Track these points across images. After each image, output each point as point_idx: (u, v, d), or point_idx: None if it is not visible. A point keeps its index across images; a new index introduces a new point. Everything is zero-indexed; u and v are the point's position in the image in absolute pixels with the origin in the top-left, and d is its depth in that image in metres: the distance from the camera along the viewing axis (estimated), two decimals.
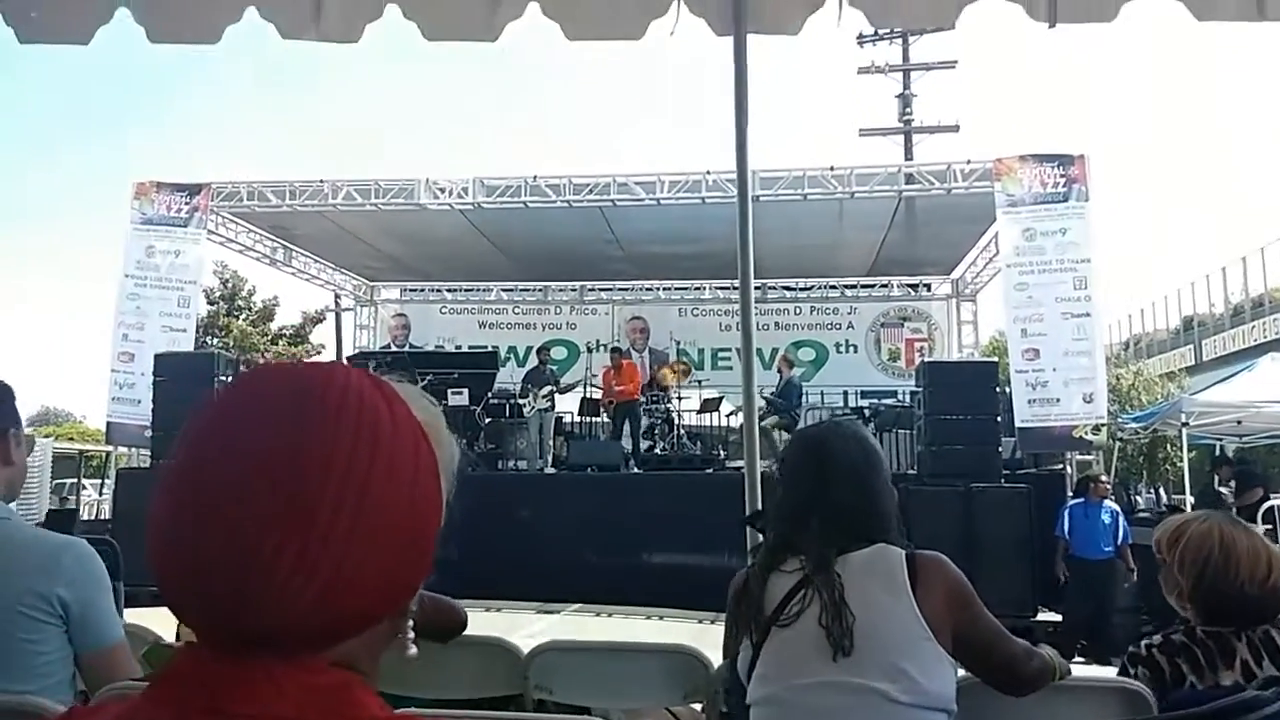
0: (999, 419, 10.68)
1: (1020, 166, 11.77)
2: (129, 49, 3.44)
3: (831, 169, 12.82)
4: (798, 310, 17.41)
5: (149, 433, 11.65)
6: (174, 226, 13.42)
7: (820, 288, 17.52)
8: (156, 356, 11.60)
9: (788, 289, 17.33)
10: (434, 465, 0.74)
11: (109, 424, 13.47)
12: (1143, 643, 2.09)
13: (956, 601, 1.79)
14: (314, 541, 0.64)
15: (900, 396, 13.72)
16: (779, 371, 13.88)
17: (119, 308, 13.24)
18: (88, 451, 21.80)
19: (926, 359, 14.91)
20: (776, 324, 16.70)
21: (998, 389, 11.08)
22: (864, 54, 24.00)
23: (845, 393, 15.13)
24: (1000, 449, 10.53)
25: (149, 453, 11.99)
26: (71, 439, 27.20)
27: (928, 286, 17.60)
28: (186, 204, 13.42)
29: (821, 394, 15.36)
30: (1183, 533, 2.09)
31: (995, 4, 3.04)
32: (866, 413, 13.09)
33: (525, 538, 10.66)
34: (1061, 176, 11.65)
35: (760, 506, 3.38)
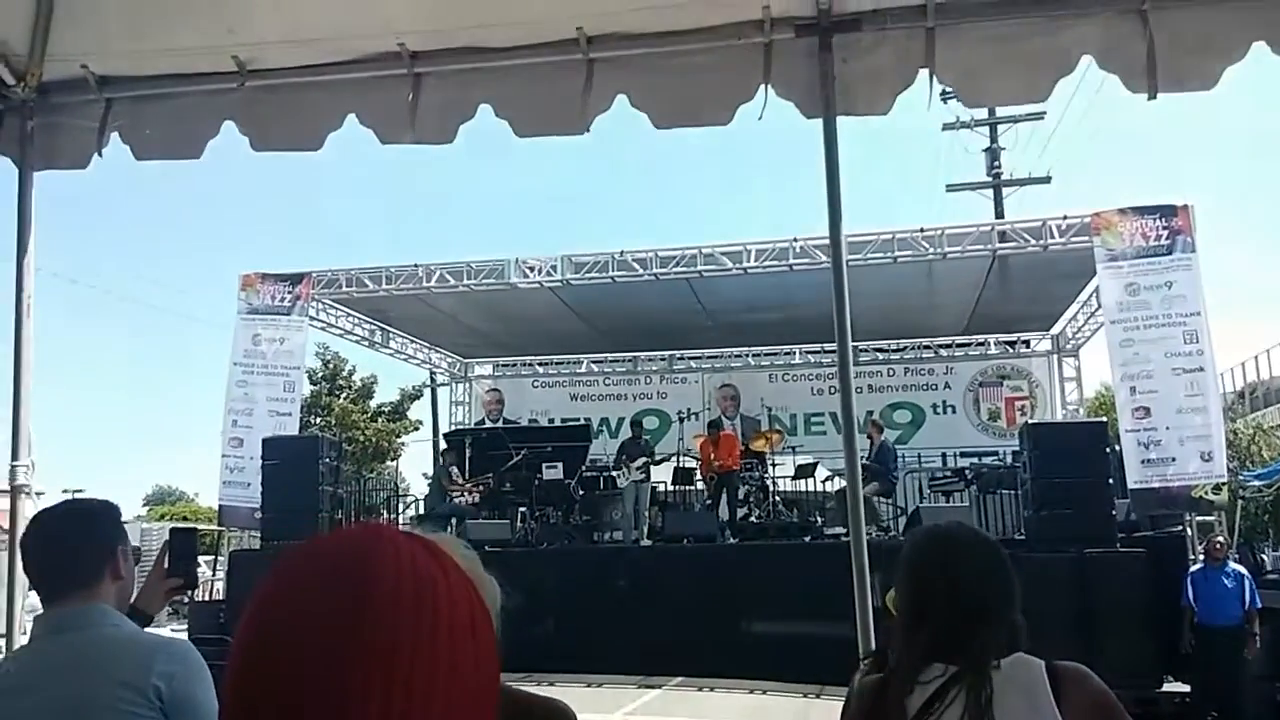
0: (1110, 480, 10.22)
1: (1120, 220, 11.38)
2: (237, 153, 3.63)
3: (921, 230, 12.68)
4: (891, 372, 17.11)
5: (258, 514, 12.01)
6: (278, 315, 13.97)
7: (914, 348, 17.22)
8: (264, 441, 11.99)
9: (880, 351, 17.06)
10: (487, 618, 0.75)
11: (221, 507, 13.93)
12: None
13: (1102, 717, 1.69)
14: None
15: (1001, 456, 13.26)
16: (869, 437, 13.59)
17: (229, 394, 13.77)
18: (200, 530, 22.53)
19: (1029, 419, 14.45)
20: (870, 386, 16.42)
21: (1108, 449, 10.63)
22: (948, 108, 23.93)
23: (944, 454, 14.73)
24: (1114, 512, 10.06)
25: (259, 535, 12.33)
26: (185, 518, 28.17)
27: (1026, 343, 17.14)
28: (289, 293, 13.97)
29: (919, 456, 14.99)
30: None
31: (1091, 78, 3.00)
32: (968, 474, 12.71)
33: (623, 611, 10.56)
34: (1164, 229, 11.22)
35: (875, 589, 3.28)
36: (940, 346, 17.18)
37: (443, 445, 15.58)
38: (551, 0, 3.19)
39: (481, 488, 12.81)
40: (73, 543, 1.92)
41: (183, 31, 3.33)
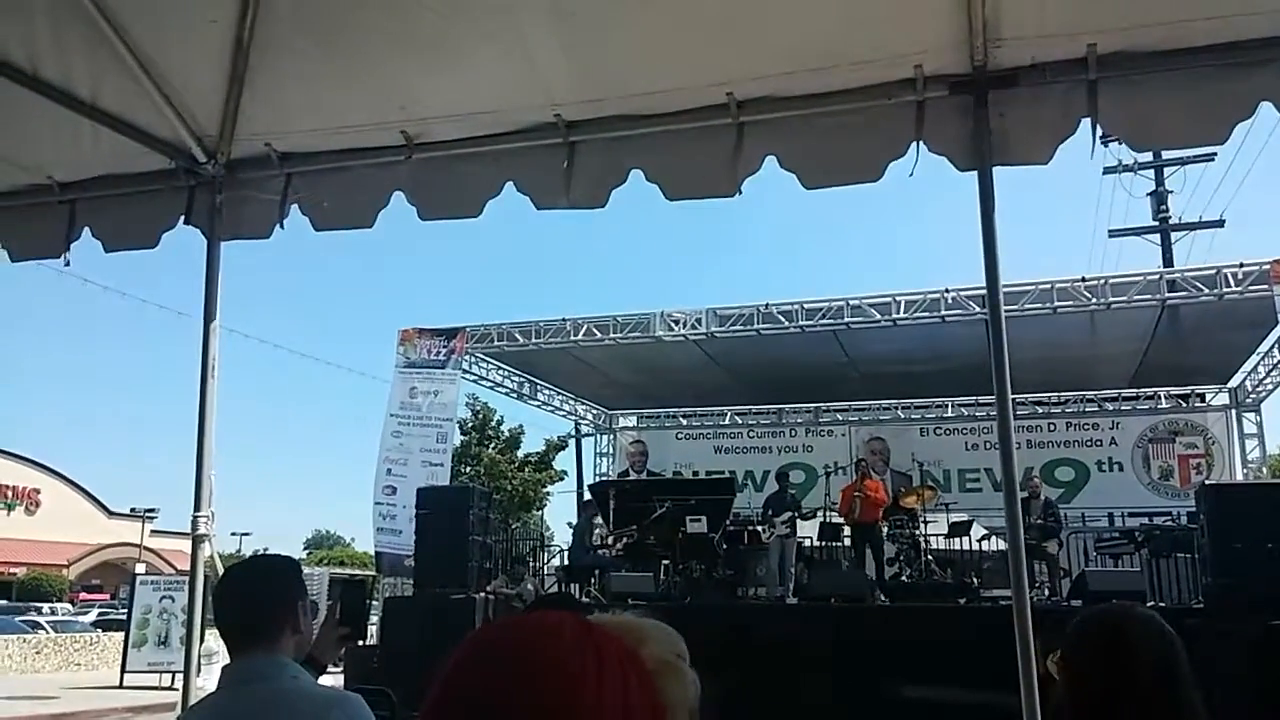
0: None
1: None
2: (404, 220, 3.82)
3: (1083, 279, 12.13)
4: (1052, 427, 16.31)
5: (409, 561, 12.41)
6: (433, 368, 14.57)
7: (1076, 401, 16.37)
8: (418, 491, 12.42)
9: (1040, 404, 16.31)
10: (656, 705, 0.76)
11: (377, 553, 14.48)
12: None
13: None
14: None
15: (1175, 516, 12.37)
16: (1029, 494, 12.95)
17: (384, 444, 14.38)
18: (356, 575, 23.51)
19: (1205, 478, 13.47)
20: (1029, 442, 15.67)
21: None
22: (1110, 151, 22.93)
23: (1110, 514, 13.86)
24: None
25: (411, 582, 12.72)
26: (343, 563, 29.38)
27: (1201, 397, 16.05)
28: (444, 347, 14.56)
29: (1083, 516, 14.16)
30: None
31: (1265, 118, 2.81)
32: (1138, 536, 11.90)
33: (766, 671, 10.31)
34: None
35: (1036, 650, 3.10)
36: (1105, 400, 16.28)
37: (587, 496, 15.76)
38: (701, 68, 3.23)
39: (625, 540, 12.84)
40: (258, 599, 2.04)
41: (356, 110, 3.55)
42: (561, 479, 29.83)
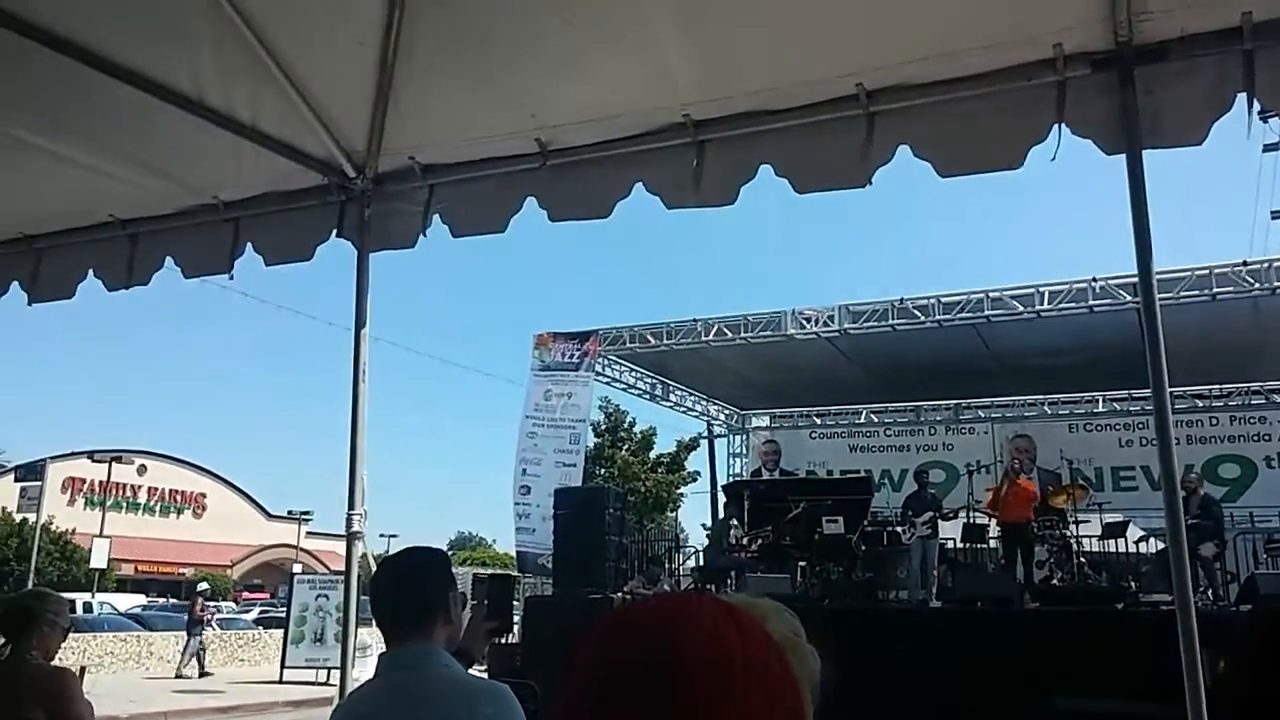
0: None
1: None
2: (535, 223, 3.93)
3: (1244, 264, 11.37)
4: (1214, 420, 15.34)
5: (542, 560, 12.70)
6: (567, 371, 14.86)
7: (1240, 393, 15.35)
8: (556, 491, 12.71)
9: (1200, 398, 15.37)
10: (794, 691, 0.77)
11: (518, 552, 14.87)
12: None
13: None
14: None
15: None
16: (1189, 492, 12.20)
17: (520, 445, 14.76)
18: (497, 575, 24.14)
19: None
20: (1189, 437, 14.79)
21: None
22: (1270, 126, 21.37)
23: None
24: None
25: (546, 580, 13.01)
26: (484, 563, 30.25)
27: None
28: (578, 350, 14.84)
29: (1250, 515, 13.25)
30: None
31: None
32: None
33: (907, 678, 10.05)
34: None
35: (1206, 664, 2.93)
36: (1272, 391, 15.19)
37: (721, 497, 15.75)
38: (829, 60, 3.20)
39: (760, 541, 12.77)
40: (412, 589, 2.14)
41: (493, 120, 3.68)
42: (694, 480, 29.90)
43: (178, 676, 19.29)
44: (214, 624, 23.33)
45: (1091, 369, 14.11)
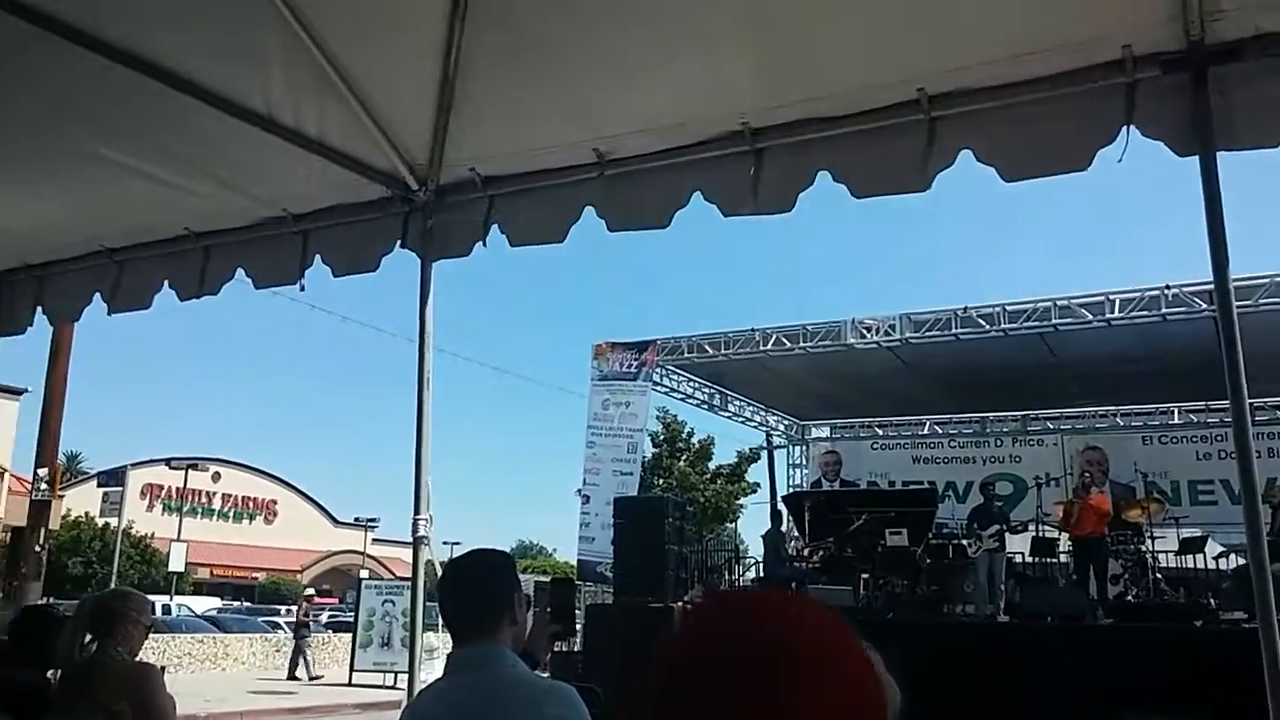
0: None
1: None
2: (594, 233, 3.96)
3: None
4: None
5: (601, 568, 12.73)
6: (625, 380, 14.92)
7: None
8: (615, 500, 12.75)
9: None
10: (881, 701, 0.77)
11: (579, 561, 14.95)
12: None
13: None
14: None
15: None
16: (1272, 507, 11.75)
17: (586, 454, 14.84)
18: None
19: None
20: (1270, 450, 14.28)
21: None
22: None
23: None
24: None
25: (606, 588, 13.03)
26: (545, 571, 30.40)
27: None
28: (636, 360, 14.89)
29: None
30: None
31: None
32: None
33: (977, 694, 9.84)
34: None
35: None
36: None
37: (781, 508, 15.63)
38: (890, 66, 3.17)
39: (822, 552, 12.63)
40: (479, 589, 2.17)
41: (552, 132, 3.72)
42: (754, 491, 29.73)
43: (290, 679, 20.01)
44: (321, 623, 23.69)
45: (1165, 378, 13.74)
